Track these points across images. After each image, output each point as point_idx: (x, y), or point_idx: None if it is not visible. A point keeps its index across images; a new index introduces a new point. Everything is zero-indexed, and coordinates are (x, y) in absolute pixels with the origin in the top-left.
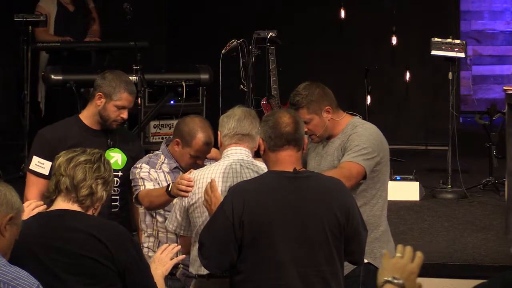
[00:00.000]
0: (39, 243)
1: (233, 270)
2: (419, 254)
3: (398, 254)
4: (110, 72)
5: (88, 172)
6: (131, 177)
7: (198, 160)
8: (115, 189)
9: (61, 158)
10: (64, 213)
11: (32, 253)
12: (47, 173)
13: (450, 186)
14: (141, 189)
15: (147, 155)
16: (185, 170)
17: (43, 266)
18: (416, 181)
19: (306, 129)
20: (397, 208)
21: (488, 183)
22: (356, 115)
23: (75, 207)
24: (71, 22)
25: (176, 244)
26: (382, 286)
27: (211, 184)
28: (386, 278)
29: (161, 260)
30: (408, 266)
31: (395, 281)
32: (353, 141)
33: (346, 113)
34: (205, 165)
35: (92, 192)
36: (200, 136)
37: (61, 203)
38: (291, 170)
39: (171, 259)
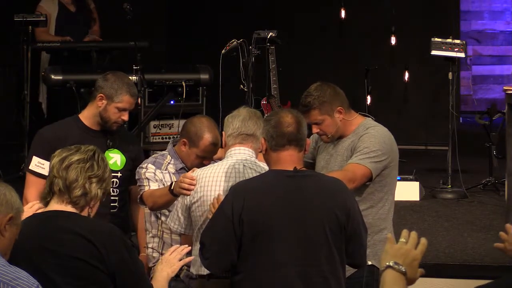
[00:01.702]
0: (31, 244)
1: (233, 269)
2: (423, 240)
3: (402, 240)
4: (112, 73)
5: (80, 172)
6: (136, 177)
7: (205, 161)
8: (114, 189)
9: (55, 158)
10: (57, 214)
11: (24, 253)
12: (47, 173)
13: (450, 186)
14: (146, 189)
15: (153, 155)
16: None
17: (34, 267)
18: (416, 181)
19: (318, 130)
20: (397, 208)
21: (488, 183)
22: (369, 117)
23: (69, 208)
24: (72, 22)
25: (186, 246)
26: (384, 271)
27: (218, 199)
28: (388, 263)
29: (169, 261)
30: (411, 252)
31: (397, 266)
32: (363, 143)
33: (359, 113)
34: None
35: (86, 192)
36: (207, 137)
37: (55, 205)
38: (292, 170)
39: (180, 260)
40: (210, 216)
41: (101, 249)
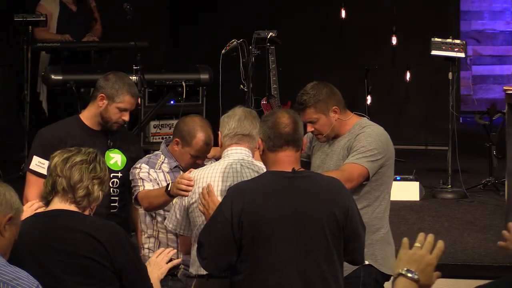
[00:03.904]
0: (37, 243)
1: (233, 270)
2: (439, 244)
3: (417, 244)
4: (113, 73)
5: (85, 172)
6: (130, 178)
7: (198, 160)
8: (115, 190)
9: (57, 158)
10: (62, 213)
11: (29, 253)
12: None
13: (450, 186)
14: (140, 190)
15: (146, 156)
16: (185, 169)
17: (40, 266)
18: (416, 181)
19: (312, 129)
20: (397, 208)
21: (488, 183)
22: (364, 116)
23: (72, 207)
24: (73, 22)
25: (171, 248)
26: (396, 279)
27: (208, 189)
28: (400, 271)
29: (157, 264)
30: (425, 257)
31: (409, 274)
32: (359, 142)
33: (354, 113)
34: (205, 164)
35: (89, 192)
36: (200, 136)
37: (58, 204)
38: (290, 170)
39: (167, 262)
40: (200, 209)
41: (108, 247)
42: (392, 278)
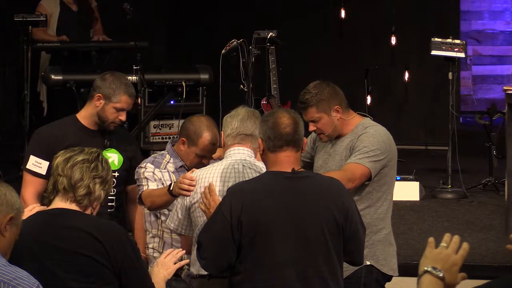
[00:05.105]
0: (36, 241)
1: (232, 270)
2: (464, 245)
3: (443, 244)
4: (110, 73)
5: (86, 171)
6: (135, 177)
7: (204, 160)
8: (112, 189)
9: (59, 158)
10: (62, 212)
11: (29, 251)
12: (44, 173)
13: (450, 186)
14: (144, 189)
15: (152, 155)
16: (190, 169)
17: (40, 264)
18: (416, 181)
19: (314, 128)
20: (397, 208)
21: (488, 183)
22: (368, 116)
23: (73, 206)
24: (73, 22)
25: (180, 249)
26: (422, 276)
27: (210, 188)
28: (426, 268)
29: (165, 264)
30: (451, 257)
31: (435, 272)
32: (361, 142)
33: (357, 113)
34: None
35: (90, 191)
36: (206, 135)
37: (59, 203)
38: (290, 171)
39: (175, 263)
40: (202, 208)
41: (107, 246)
42: (418, 275)
